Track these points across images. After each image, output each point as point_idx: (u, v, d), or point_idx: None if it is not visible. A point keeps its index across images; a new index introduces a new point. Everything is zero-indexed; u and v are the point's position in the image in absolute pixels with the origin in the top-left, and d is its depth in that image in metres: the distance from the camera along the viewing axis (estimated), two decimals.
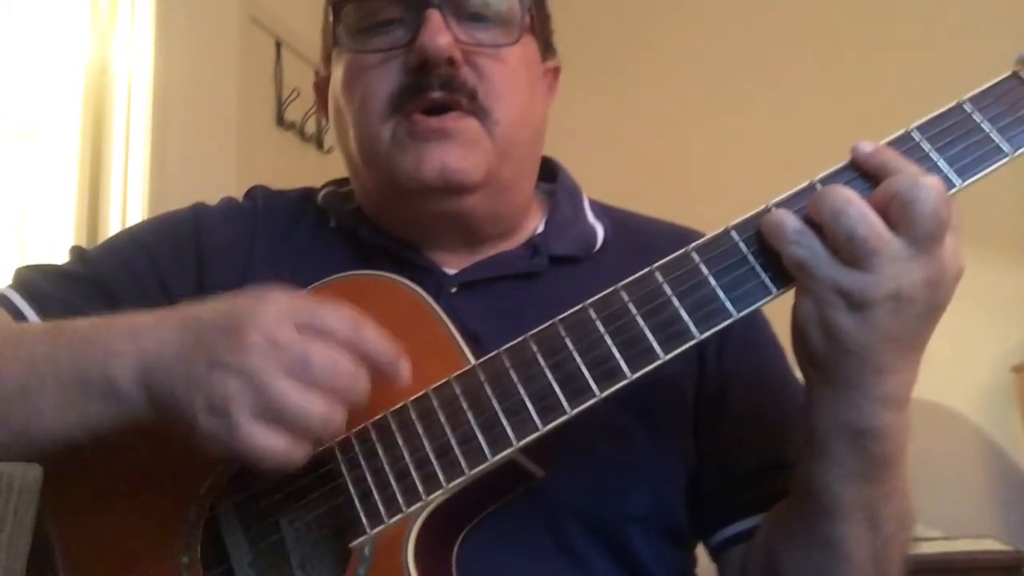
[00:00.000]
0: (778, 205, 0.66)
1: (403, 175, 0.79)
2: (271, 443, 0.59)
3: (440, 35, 0.76)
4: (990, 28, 2.48)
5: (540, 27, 0.88)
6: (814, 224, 0.63)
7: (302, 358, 0.59)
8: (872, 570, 0.71)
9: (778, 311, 0.71)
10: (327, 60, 0.90)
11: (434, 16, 0.77)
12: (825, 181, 0.66)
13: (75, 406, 0.64)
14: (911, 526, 0.73)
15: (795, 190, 0.66)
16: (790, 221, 0.63)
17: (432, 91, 0.78)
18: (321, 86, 0.92)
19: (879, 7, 2.76)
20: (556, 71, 0.92)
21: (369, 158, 0.82)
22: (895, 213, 0.60)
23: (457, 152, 0.78)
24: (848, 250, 0.61)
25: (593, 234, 0.89)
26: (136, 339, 0.64)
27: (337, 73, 0.85)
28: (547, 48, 0.90)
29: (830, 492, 0.68)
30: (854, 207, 0.60)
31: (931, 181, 0.60)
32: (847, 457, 0.66)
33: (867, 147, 0.65)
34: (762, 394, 0.85)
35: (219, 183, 2.09)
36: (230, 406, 0.58)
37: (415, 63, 0.77)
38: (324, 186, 0.94)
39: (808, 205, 0.64)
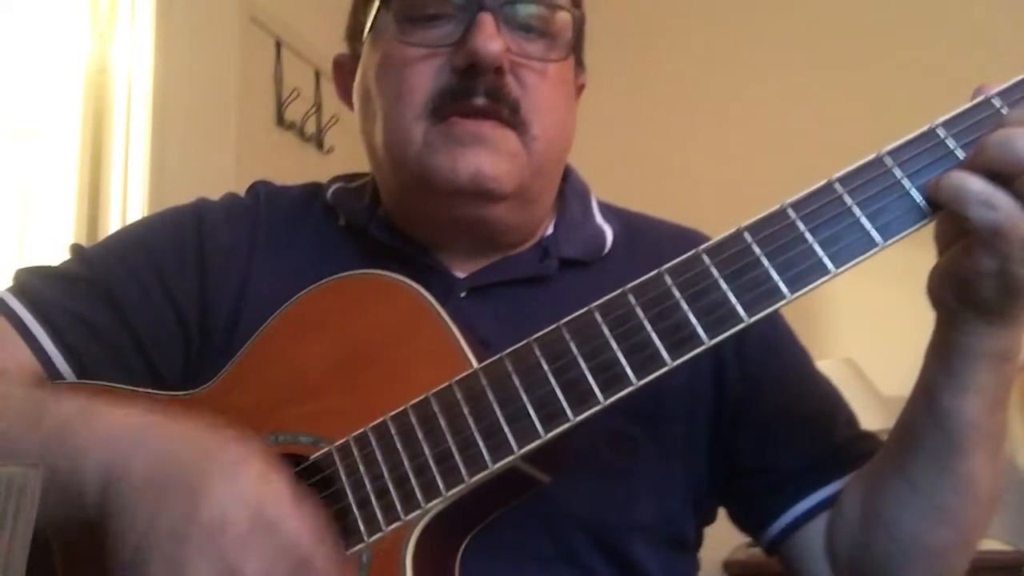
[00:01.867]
0: (945, 125, 0.64)
1: (436, 175, 0.77)
2: None
3: (493, 41, 0.74)
4: (995, 33, 2.47)
5: (578, 44, 0.87)
6: (987, 168, 0.61)
7: (236, 564, 0.56)
8: (989, 508, 0.74)
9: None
10: (352, 41, 0.88)
11: (487, 20, 0.75)
12: (1011, 103, 0.63)
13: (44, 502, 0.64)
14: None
15: (965, 108, 0.64)
16: (973, 181, 0.61)
17: (476, 97, 0.76)
18: (343, 66, 0.90)
19: (886, 12, 2.75)
20: (582, 87, 0.91)
21: (397, 154, 0.80)
22: None
23: (492, 159, 0.77)
24: None
25: (603, 236, 0.88)
26: (108, 454, 0.62)
27: (372, 59, 0.83)
28: (579, 64, 0.89)
29: (973, 425, 0.69)
30: None
31: None
32: (991, 385, 0.68)
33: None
34: (796, 383, 0.86)
35: (219, 183, 2.07)
36: None
37: (462, 65, 0.76)
38: (332, 182, 0.92)
39: (987, 149, 0.61)
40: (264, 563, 0.57)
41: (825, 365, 2.24)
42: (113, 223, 1.95)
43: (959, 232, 0.64)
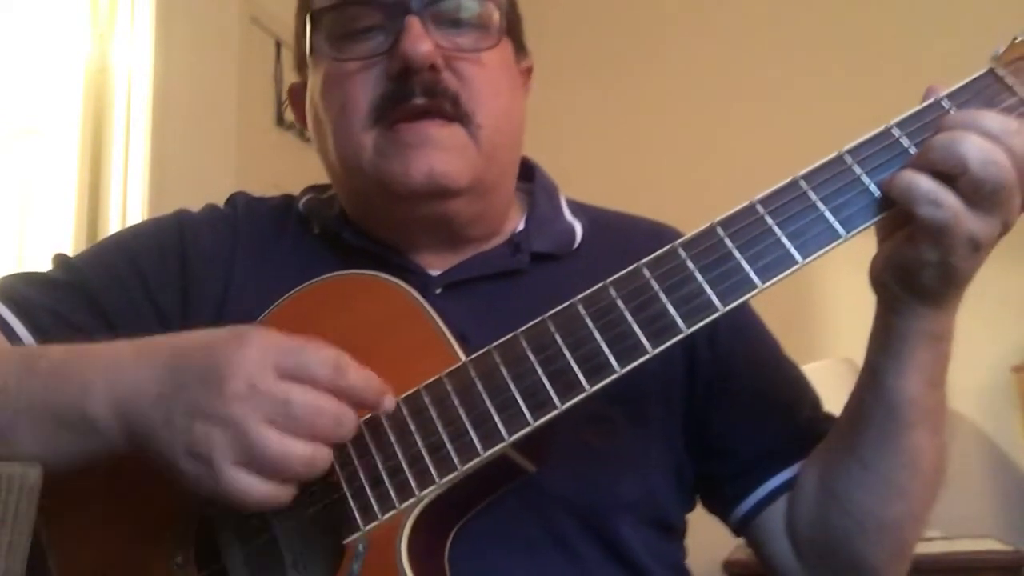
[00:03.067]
0: (899, 125, 0.68)
1: (391, 179, 0.79)
2: (254, 488, 0.60)
3: (421, 42, 0.77)
4: (982, 31, 2.47)
5: (513, 29, 0.88)
6: (930, 166, 0.64)
7: (283, 405, 0.60)
8: (936, 483, 0.78)
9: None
10: (301, 68, 0.90)
11: (414, 23, 0.77)
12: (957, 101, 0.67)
13: (51, 440, 0.65)
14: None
15: (917, 109, 0.68)
16: (922, 181, 0.64)
17: (415, 98, 0.78)
18: (295, 93, 0.93)
19: (872, 8, 2.76)
20: (529, 71, 0.93)
21: (351, 165, 0.82)
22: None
23: (443, 156, 0.79)
24: (989, 198, 0.63)
25: (572, 231, 0.90)
26: (112, 377, 0.64)
27: (315, 80, 0.85)
28: (520, 49, 0.91)
29: (914, 401, 0.73)
30: (999, 154, 0.62)
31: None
32: (928, 362, 0.72)
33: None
34: (764, 368, 0.89)
35: (219, 183, 2.10)
36: (212, 454, 0.59)
37: (396, 70, 0.78)
38: (303, 193, 0.94)
39: (936, 152, 0.64)
40: (306, 391, 0.61)
41: (825, 365, 2.24)
42: (113, 223, 1.96)
43: (900, 222, 0.67)
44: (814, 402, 0.89)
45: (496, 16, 0.83)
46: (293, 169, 2.44)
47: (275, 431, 0.59)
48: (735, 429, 0.85)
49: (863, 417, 0.76)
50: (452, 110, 0.79)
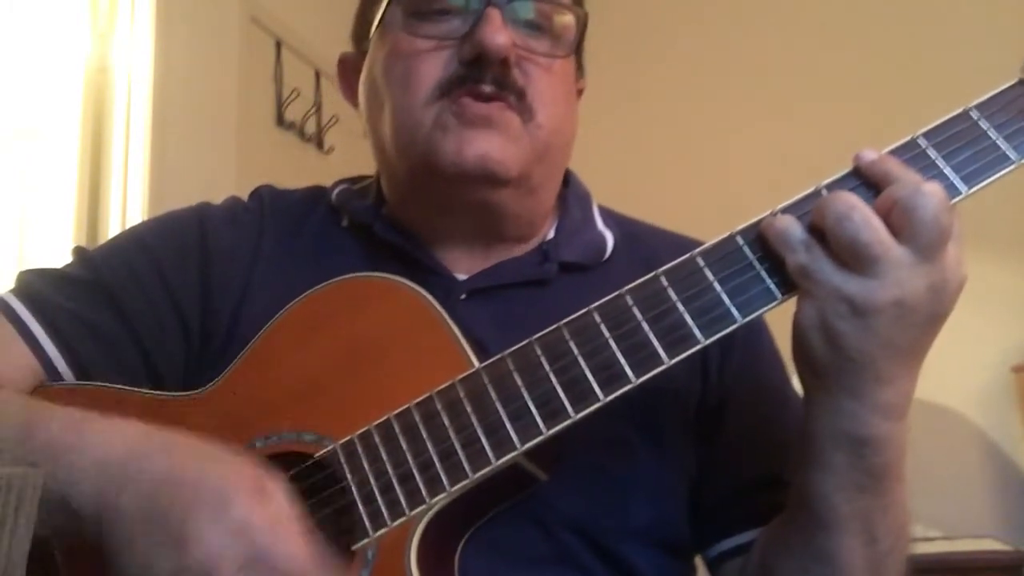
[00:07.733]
0: (784, 210, 0.66)
1: (443, 158, 0.78)
2: None
3: (500, 34, 0.76)
4: (998, 36, 2.48)
5: (580, 47, 0.88)
6: (818, 230, 0.63)
7: None
8: None
9: (780, 321, 0.71)
10: (359, 40, 0.90)
11: (495, 14, 0.77)
12: (831, 187, 0.66)
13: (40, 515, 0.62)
14: (909, 539, 0.72)
15: (801, 195, 0.67)
16: (793, 228, 0.64)
17: (483, 84, 0.78)
18: (349, 64, 0.92)
19: (894, 16, 2.76)
20: (581, 91, 0.93)
21: (406, 140, 0.81)
22: (897, 220, 0.61)
23: (498, 142, 0.78)
24: (851, 256, 0.61)
25: (603, 242, 0.89)
26: (101, 480, 0.62)
27: (379, 53, 0.84)
28: (579, 68, 0.91)
29: (827, 503, 0.67)
30: (857, 212, 0.61)
31: (932, 188, 0.61)
32: (845, 467, 0.66)
33: (870, 155, 0.65)
34: (763, 409, 0.85)
35: (219, 183, 2.09)
36: None
37: (470, 56, 0.78)
38: (336, 184, 0.93)
39: (813, 211, 0.64)
40: None
41: None
42: (113, 223, 1.96)
43: None
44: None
45: (573, 30, 0.83)
46: (293, 169, 2.45)
47: None
48: (716, 466, 0.82)
49: (791, 503, 0.73)
50: (516, 103, 0.79)
